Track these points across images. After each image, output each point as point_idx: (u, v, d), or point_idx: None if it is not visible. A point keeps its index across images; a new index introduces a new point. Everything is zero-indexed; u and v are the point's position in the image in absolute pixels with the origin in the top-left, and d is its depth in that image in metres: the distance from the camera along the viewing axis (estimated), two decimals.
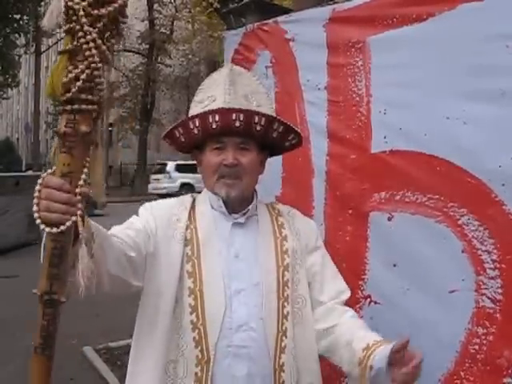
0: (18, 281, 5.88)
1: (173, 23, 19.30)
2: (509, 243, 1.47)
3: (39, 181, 0.91)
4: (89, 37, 0.84)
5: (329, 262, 1.36)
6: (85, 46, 0.85)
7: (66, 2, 0.83)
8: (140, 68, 20.14)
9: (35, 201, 0.89)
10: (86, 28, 0.83)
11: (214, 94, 1.27)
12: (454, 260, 1.55)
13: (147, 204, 1.33)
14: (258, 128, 1.24)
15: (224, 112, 1.22)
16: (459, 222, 1.56)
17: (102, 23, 0.85)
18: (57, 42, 25.79)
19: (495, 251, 1.49)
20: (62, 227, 0.88)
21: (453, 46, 1.55)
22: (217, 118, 1.22)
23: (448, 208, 1.58)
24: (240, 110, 1.22)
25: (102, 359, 3.84)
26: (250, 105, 1.26)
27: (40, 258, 0.93)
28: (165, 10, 19.09)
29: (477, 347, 1.52)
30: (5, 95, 25.83)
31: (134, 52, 20.21)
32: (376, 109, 1.75)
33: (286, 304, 1.23)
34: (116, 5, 0.85)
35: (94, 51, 0.85)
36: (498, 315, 1.49)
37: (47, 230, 0.88)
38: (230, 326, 1.18)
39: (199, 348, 1.17)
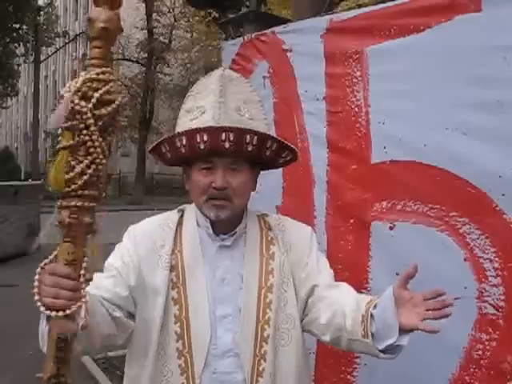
0: (17, 290, 5.86)
1: (171, 32, 19.33)
2: (510, 251, 1.48)
3: (38, 269, 0.91)
4: (94, 136, 0.89)
5: (324, 268, 1.29)
6: (89, 144, 0.89)
7: (73, 106, 0.87)
8: (139, 77, 20.12)
9: (36, 289, 0.89)
10: (92, 128, 0.89)
11: (204, 104, 1.19)
12: (457, 268, 1.56)
13: (131, 229, 1.28)
14: (250, 148, 1.16)
15: (213, 131, 1.13)
16: (461, 231, 1.56)
17: (102, 122, 0.90)
18: (56, 51, 25.94)
19: (497, 259, 1.50)
20: (68, 311, 0.89)
21: (450, 57, 1.56)
22: (205, 137, 1.13)
23: (449, 217, 1.58)
24: (230, 129, 1.13)
25: (100, 369, 3.82)
26: (242, 118, 1.18)
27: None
28: (163, 20, 19.14)
29: (480, 353, 1.53)
30: (4, 104, 25.83)
31: (132, 61, 20.20)
32: (375, 119, 1.76)
33: (266, 327, 1.18)
34: (114, 105, 0.91)
35: (98, 149, 0.90)
36: (500, 321, 1.49)
37: (53, 314, 0.88)
38: (214, 353, 1.16)
39: (185, 375, 1.15)
